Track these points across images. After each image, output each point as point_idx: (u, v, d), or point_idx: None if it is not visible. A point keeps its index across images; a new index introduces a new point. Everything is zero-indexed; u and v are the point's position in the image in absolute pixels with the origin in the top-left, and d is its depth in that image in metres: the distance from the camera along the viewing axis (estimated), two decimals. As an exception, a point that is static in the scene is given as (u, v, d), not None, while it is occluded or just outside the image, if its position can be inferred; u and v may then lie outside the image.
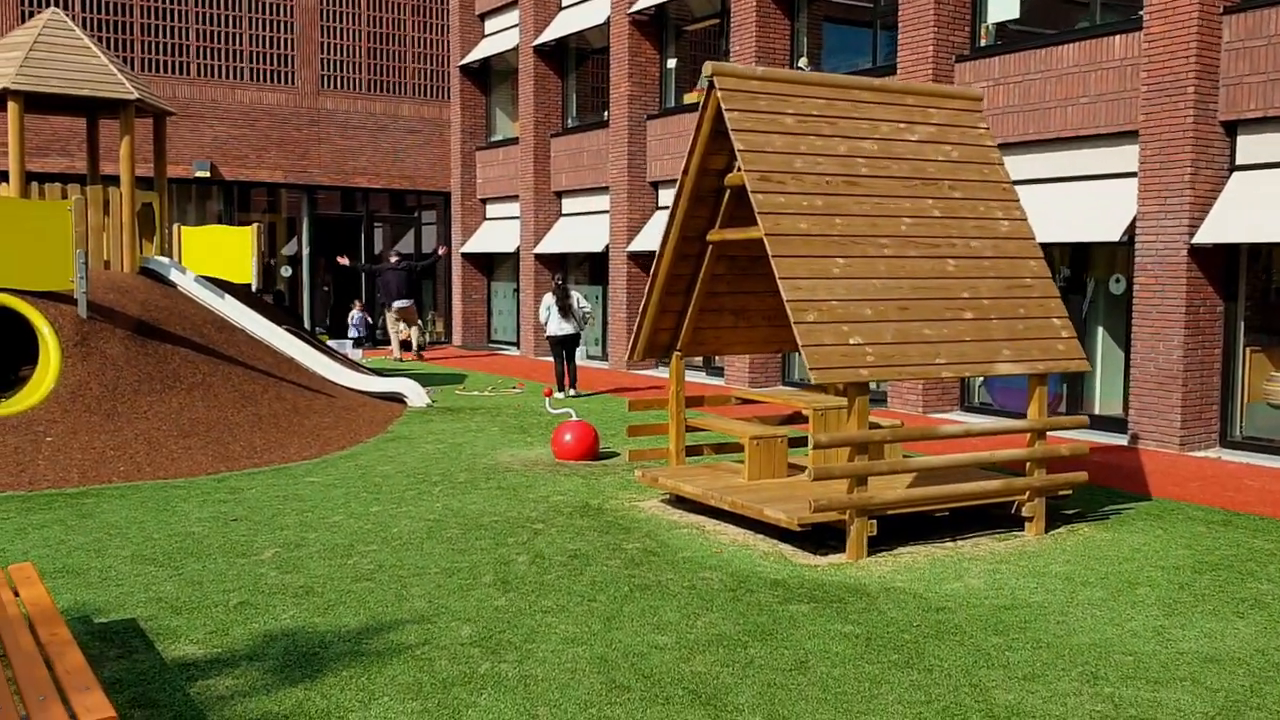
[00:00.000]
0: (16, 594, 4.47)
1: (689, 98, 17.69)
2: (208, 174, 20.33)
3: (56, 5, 13.92)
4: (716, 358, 16.91)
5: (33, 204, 10.22)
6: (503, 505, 7.80)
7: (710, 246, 7.81)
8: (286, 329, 13.18)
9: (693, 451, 8.49)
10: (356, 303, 21.42)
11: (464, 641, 4.95)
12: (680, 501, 7.89)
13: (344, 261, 19.50)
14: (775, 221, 6.62)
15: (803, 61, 15.63)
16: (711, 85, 7.06)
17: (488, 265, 23.13)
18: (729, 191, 7.63)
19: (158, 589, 5.66)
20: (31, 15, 18.14)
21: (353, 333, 21.42)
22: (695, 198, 7.59)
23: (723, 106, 6.93)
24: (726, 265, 8.00)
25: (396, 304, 19.19)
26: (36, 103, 12.20)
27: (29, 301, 9.75)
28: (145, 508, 7.58)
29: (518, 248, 21.12)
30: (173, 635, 4.98)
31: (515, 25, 21.35)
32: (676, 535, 6.99)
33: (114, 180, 12.71)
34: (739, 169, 7.34)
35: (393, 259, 19.68)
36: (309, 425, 10.64)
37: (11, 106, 11.13)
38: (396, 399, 13.14)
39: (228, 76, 20.58)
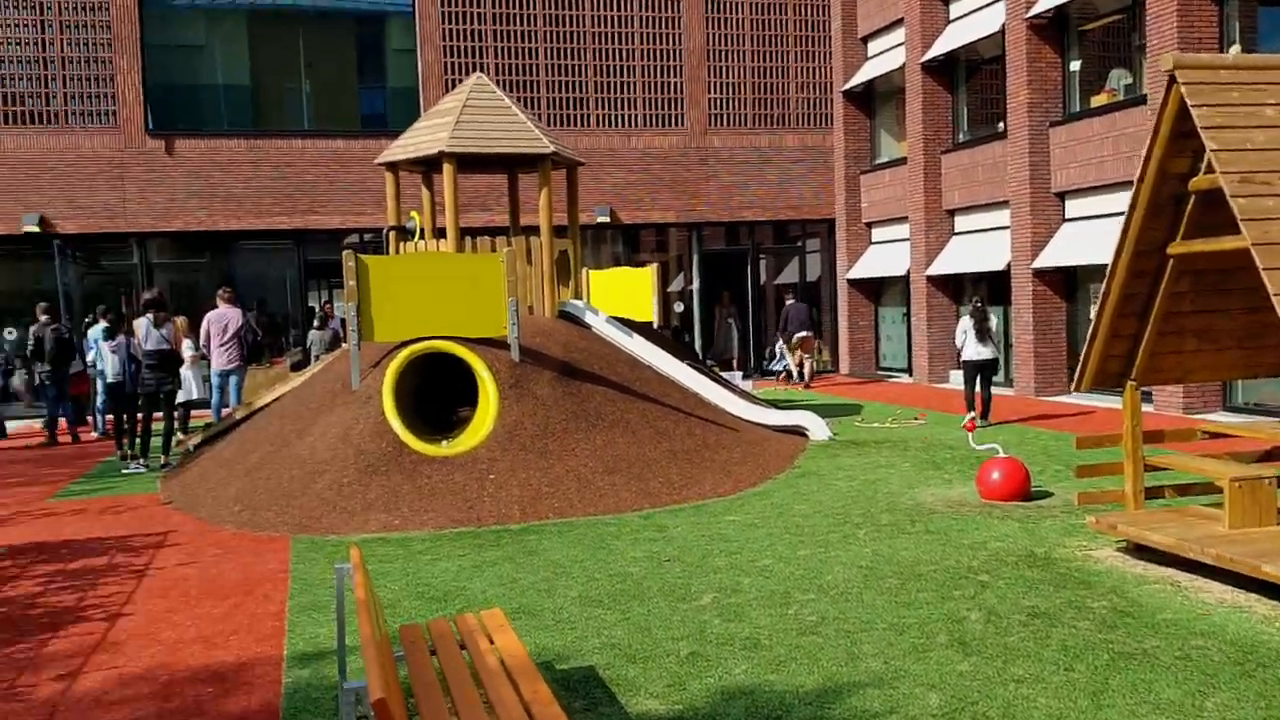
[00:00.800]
0: (491, 641, 4.59)
1: (1097, 100, 16.33)
2: (607, 219, 21.35)
3: (479, 72, 15.18)
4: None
5: (470, 258, 10.99)
6: (937, 552, 7.30)
7: (1170, 261, 6.93)
8: (688, 364, 13.38)
9: (1150, 494, 7.56)
10: (779, 335, 21.55)
11: (934, 713, 4.53)
12: (1141, 550, 7.02)
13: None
14: (1263, 229, 5.70)
15: (1234, 50, 13.90)
16: (1172, 80, 6.25)
17: (875, 290, 22.60)
18: (1193, 198, 6.73)
19: (609, 634, 5.70)
20: (453, 83, 19.91)
21: (778, 365, 21.61)
22: (1153, 207, 6.76)
23: (1188, 102, 6.11)
24: (1190, 281, 7.07)
25: (798, 334, 19.70)
26: (466, 162, 13.21)
27: (469, 348, 10.46)
28: (582, 545, 7.80)
29: (907, 270, 20.45)
30: (632, 687, 4.94)
31: (900, 44, 20.78)
32: (1148, 592, 6.17)
33: (531, 230, 13.51)
34: (1207, 171, 6.46)
35: (789, 299, 20.31)
36: (720, 460, 10.65)
37: (446, 168, 12.10)
38: (798, 432, 12.94)
39: (624, 125, 21.54)
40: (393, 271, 10.54)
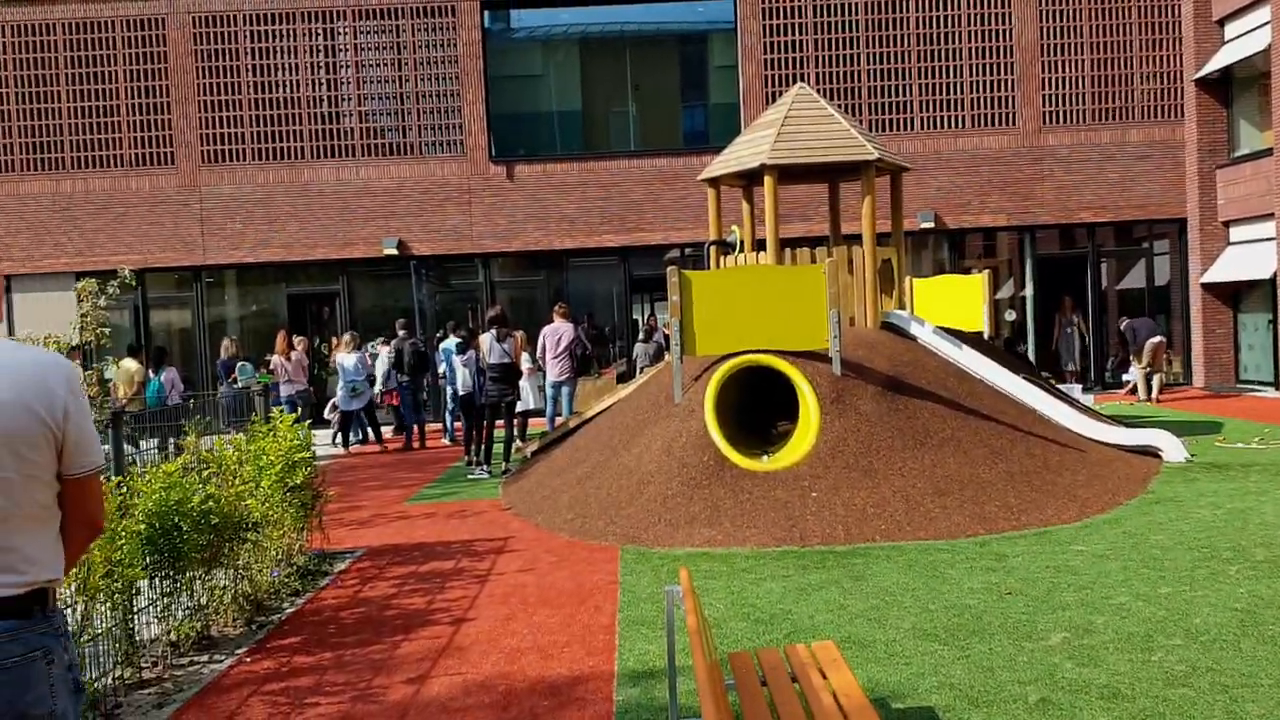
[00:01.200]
0: (824, 676, 4.40)
1: None
2: (931, 224, 20.61)
3: (801, 82, 15.00)
4: None
5: (791, 270, 10.87)
6: (1330, 596, 6.38)
7: None
8: (1024, 377, 12.59)
9: None
10: (1131, 350, 19.72)
11: (1342, 792, 3.90)
12: None
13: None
14: None
15: None
16: None
17: (1233, 295, 20.45)
18: None
19: (947, 672, 5.36)
20: (774, 95, 19.90)
21: (1128, 377, 19.99)
22: None
23: None
24: None
25: (1151, 340, 18.26)
26: (787, 174, 13.11)
27: (790, 361, 10.33)
28: (913, 572, 7.44)
29: (1274, 273, 18.35)
30: (975, 733, 4.60)
31: (1264, 24, 18.71)
32: None
33: (853, 239, 13.21)
34: None
35: (1123, 321, 19.02)
36: (1062, 483, 9.90)
37: (767, 180, 12.04)
38: (1149, 453, 11.83)
39: (950, 126, 20.73)
40: (714, 286, 10.60)
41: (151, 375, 15.46)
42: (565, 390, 15.81)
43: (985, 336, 14.75)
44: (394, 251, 20.46)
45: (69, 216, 20.55)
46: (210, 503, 6.32)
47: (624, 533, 9.01)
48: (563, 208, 20.68)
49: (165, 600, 6.12)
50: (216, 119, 20.46)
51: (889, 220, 13.69)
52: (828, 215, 15.25)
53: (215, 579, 6.70)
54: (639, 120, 21.49)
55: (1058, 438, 11.18)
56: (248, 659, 6.19)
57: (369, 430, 17.44)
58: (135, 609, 5.87)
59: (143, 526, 5.81)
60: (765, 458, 9.93)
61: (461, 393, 14.15)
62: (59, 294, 20.81)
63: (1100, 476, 10.35)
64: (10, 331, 20.66)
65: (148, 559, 5.90)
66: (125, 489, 5.92)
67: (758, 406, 11.73)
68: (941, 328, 12.90)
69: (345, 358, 16.67)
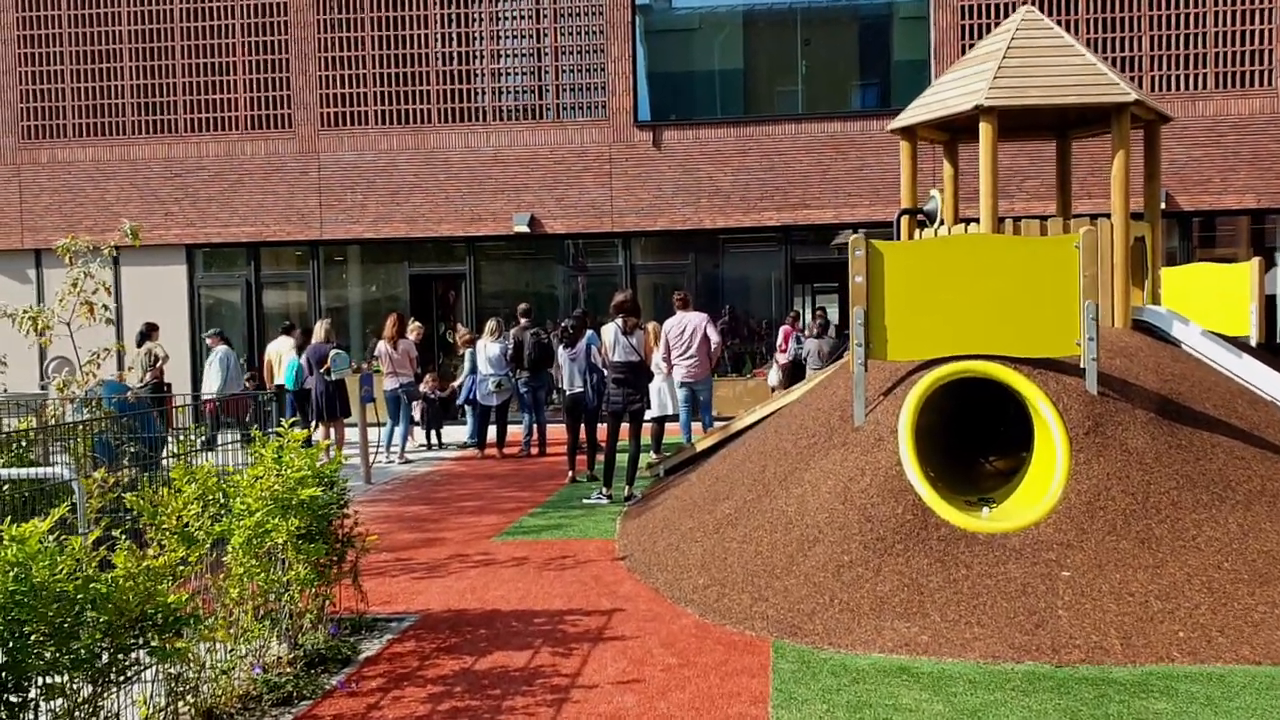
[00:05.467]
0: None
1: None
2: (1163, 205, 16.99)
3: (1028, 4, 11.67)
4: None
5: (1029, 242, 7.87)
6: None
7: None
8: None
9: None
10: None
11: None
12: None
13: None
14: None
15: None
16: None
17: None
18: None
19: None
20: (969, 49, 16.66)
21: None
22: None
23: None
24: None
25: None
26: (1006, 123, 10.04)
27: (1021, 373, 7.35)
28: (1267, 742, 4.46)
29: None
30: None
31: None
32: None
33: (1090, 216, 10.07)
34: None
35: None
36: None
37: (984, 129, 9.00)
38: None
39: (1188, 86, 17.05)
40: (916, 263, 7.69)
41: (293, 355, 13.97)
42: (701, 394, 12.92)
43: (1253, 342, 11.39)
44: (525, 229, 18.08)
45: (181, 184, 18.93)
46: (96, 586, 3.85)
47: (778, 616, 6.23)
48: (716, 180, 17.90)
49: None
50: (337, 78, 18.47)
51: (1144, 189, 10.47)
52: (1054, 185, 12.09)
53: (118, 703, 4.25)
54: (809, 79, 18.50)
55: (1398, 490, 7.84)
56: None
57: (478, 432, 15.13)
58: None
59: (-57, 638, 3.39)
60: (987, 511, 6.98)
61: (568, 392, 11.66)
62: (170, 268, 19.30)
63: None
64: (119, 310, 19.23)
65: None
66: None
67: (960, 431, 8.76)
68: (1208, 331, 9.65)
69: (491, 346, 14.54)
